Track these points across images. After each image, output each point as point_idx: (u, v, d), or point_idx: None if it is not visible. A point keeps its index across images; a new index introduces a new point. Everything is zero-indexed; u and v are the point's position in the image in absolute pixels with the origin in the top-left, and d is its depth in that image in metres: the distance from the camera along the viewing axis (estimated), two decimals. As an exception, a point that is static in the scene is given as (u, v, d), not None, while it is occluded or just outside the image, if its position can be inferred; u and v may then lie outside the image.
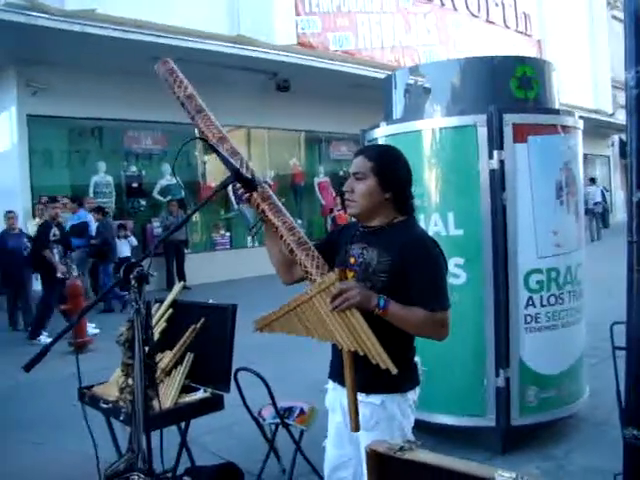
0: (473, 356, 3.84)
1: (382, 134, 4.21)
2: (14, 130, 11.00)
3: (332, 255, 2.42)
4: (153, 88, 11.86)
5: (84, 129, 11.88)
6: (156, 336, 3.65)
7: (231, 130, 14.77)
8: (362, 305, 2.07)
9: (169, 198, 12.96)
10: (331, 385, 2.46)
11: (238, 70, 12.07)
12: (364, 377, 2.13)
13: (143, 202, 13.13)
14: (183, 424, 3.53)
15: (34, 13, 9.09)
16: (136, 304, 1.94)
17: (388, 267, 2.22)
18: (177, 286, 3.96)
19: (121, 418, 3.20)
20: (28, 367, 1.80)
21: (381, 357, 1.99)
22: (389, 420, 2.24)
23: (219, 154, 2.28)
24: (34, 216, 10.67)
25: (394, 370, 1.96)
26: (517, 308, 3.77)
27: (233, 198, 13.76)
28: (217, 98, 12.62)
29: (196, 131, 2.71)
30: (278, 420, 3.43)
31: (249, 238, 14.13)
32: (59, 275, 8.30)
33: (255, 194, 2.41)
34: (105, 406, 3.28)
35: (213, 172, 14.28)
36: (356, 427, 2.07)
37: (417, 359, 3.87)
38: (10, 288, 9.12)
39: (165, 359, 3.49)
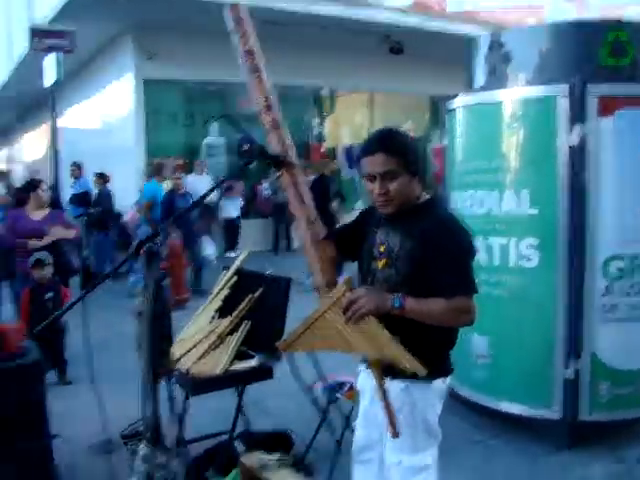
0: (542, 344, 3.61)
1: (460, 104, 3.99)
2: (131, 94, 11.54)
3: (359, 239, 2.35)
4: (265, 51, 12.02)
5: (198, 92, 12.24)
6: (218, 303, 3.77)
7: (344, 94, 14.74)
8: (377, 310, 2.01)
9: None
10: (361, 367, 2.42)
11: (350, 33, 11.90)
12: None
13: (254, 163, 13.38)
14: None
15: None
16: (145, 278, 1.96)
17: (410, 253, 2.13)
18: (243, 253, 4.01)
19: (173, 380, 3.33)
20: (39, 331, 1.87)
21: (407, 361, 1.92)
22: (412, 406, 2.18)
23: (243, 132, 2.24)
24: (153, 174, 11.19)
25: (423, 372, 1.89)
26: (592, 296, 3.49)
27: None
28: (328, 61, 12.76)
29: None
30: (326, 394, 3.42)
31: (359, 202, 14.09)
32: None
33: (285, 175, 2.35)
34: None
35: (328, 134, 14.36)
36: (395, 433, 2.01)
37: (481, 341, 3.81)
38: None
39: (221, 326, 3.57)
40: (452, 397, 4.21)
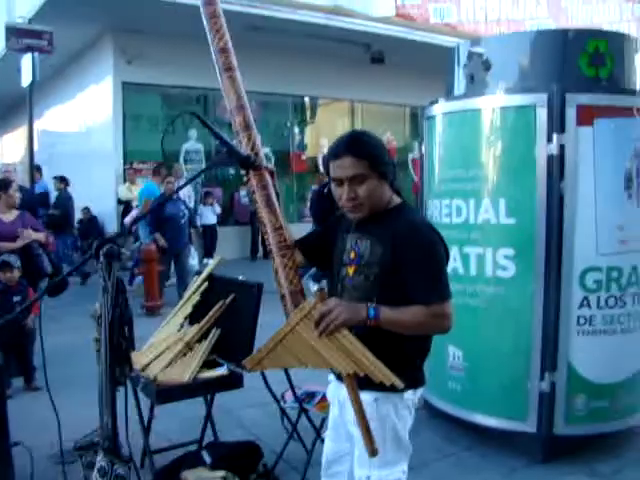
0: (517, 355, 3.55)
1: (440, 111, 3.95)
2: (110, 97, 11.42)
3: (328, 246, 2.29)
4: (247, 58, 11.92)
5: (177, 97, 12.15)
6: (189, 309, 3.67)
7: (326, 103, 14.72)
8: (350, 322, 1.93)
9: (260, 168, 13.06)
10: (332, 377, 2.34)
11: (333, 42, 11.89)
12: None
13: (232, 171, 13.34)
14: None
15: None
16: (104, 282, 1.87)
17: (380, 258, 2.06)
18: (215, 259, 3.92)
19: (139, 388, 3.23)
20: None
21: (383, 374, 1.84)
22: (381, 419, 2.10)
23: (212, 131, 2.16)
24: (125, 181, 11.09)
25: (400, 385, 1.81)
26: (569, 308, 3.44)
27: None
28: (310, 69, 12.73)
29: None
30: (297, 405, 3.34)
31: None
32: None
33: (253, 178, 2.29)
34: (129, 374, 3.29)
35: (308, 143, 14.32)
36: (373, 450, 1.89)
37: (456, 352, 3.75)
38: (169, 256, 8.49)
39: (190, 333, 3.47)
40: (425, 409, 4.16)
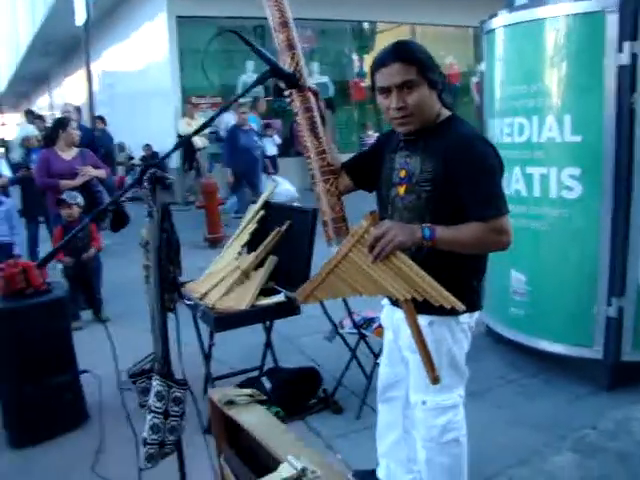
0: (583, 280, 3.41)
1: (501, 23, 3.70)
2: (164, 32, 11.34)
3: (376, 167, 2.19)
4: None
5: (233, 28, 11.90)
6: (246, 237, 3.67)
7: (386, 28, 14.21)
8: (406, 244, 1.81)
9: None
10: (385, 301, 2.29)
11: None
12: None
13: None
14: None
15: None
16: (149, 207, 1.86)
17: (431, 175, 1.96)
18: (270, 186, 3.89)
19: (198, 315, 3.28)
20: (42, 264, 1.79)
21: (443, 296, 1.73)
22: (437, 343, 2.03)
23: (253, 47, 2.06)
24: (183, 115, 11.11)
25: (461, 307, 1.71)
26: (639, 229, 3.26)
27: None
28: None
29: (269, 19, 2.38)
30: (356, 331, 3.33)
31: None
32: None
33: (296, 99, 2.20)
34: (188, 302, 3.35)
35: (366, 70, 13.92)
36: (435, 378, 1.80)
37: (519, 277, 3.63)
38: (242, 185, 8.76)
39: (246, 261, 3.48)
40: (488, 335, 4.10)
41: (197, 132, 2.22)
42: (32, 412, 3.15)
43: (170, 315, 1.96)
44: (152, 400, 1.92)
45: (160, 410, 1.88)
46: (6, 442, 3.19)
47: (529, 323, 3.65)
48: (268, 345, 3.71)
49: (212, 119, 2.03)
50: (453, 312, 1.76)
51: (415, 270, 1.78)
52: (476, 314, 2.14)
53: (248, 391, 1.64)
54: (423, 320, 1.93)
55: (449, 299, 1.72)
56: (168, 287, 1.96)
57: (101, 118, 10.74)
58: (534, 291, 3.60)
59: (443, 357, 2.06)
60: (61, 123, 5.46)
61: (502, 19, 3.68)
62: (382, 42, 14.32)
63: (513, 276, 3.68)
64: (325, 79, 13.23)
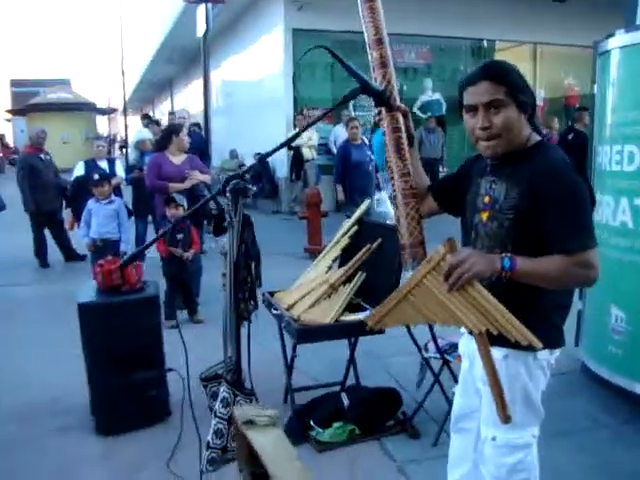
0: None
1: (617, 44, 3.52)
2: (280, 44, 11.64)
3: (462, 191, 2.12)
4: (418, 2, 11.52)
5: (346, 42, 12.06)
6: (338, 251, 3.69)
7: (505, 47, 13.88)
8: (484, 274, 1.72)
9: (429, 114, 12.74)
10: (463, 329, 2.21)
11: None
12: None
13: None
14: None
15: None
16: (229, 217, 1.89)
17: (516, 202, 1.87)
18: (365, 203, 3.87)
19: (283, 325, 3.31)
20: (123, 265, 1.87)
21: (520, 332, 1.64)
22: (511, 378, 1.94)
23: (343, 64, 2.06)
24: (294, 126, 11.33)
25: (539, 345, 1.62)
26: None
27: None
28: (482, 10, 12.04)
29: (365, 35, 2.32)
30: (437, 355, 3.24)
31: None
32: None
33: (385, 118, 2.17)
34: (275, 312, 3.40)
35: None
36: (505, 418, 1.71)
37: (619, 314, 3.41)
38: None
39: (335, 275, 3.48)
40: (583, 372, 3.87)
41: (274, 151, 2.19)
42: (118, 403, 3.31)
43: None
44: (218, 405, 1.96)
45: (225, 416, 1.92)
46: (93, 428, 3.37)
47: (627, 364, 3.42)
48: (351, 361, 3.69)
49: (297, 135, 2.04)
50: (530, 347, 1.67)
51: (492, 302, 1.69)
52: (557, 352, 2.02)
53: (270, 412, 1.61)
54: (498, 353, 1.84)
55: (526, 335, 1.63)
56: (244, 297, 1.99)
57: (197, 125, 11.04)
58: (635, 331, 3.37)
59: (517, 393, 1.96)
60: (174, 129, 5.72)
61: (618, 40, 3.50)
62: (503, 59, 13.98)
63: (613, 313, 3.46)
64: (437, 96, 13.08)
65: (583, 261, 1.77)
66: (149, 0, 21.26)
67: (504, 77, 1.86)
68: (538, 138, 1.95)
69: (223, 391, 1.95)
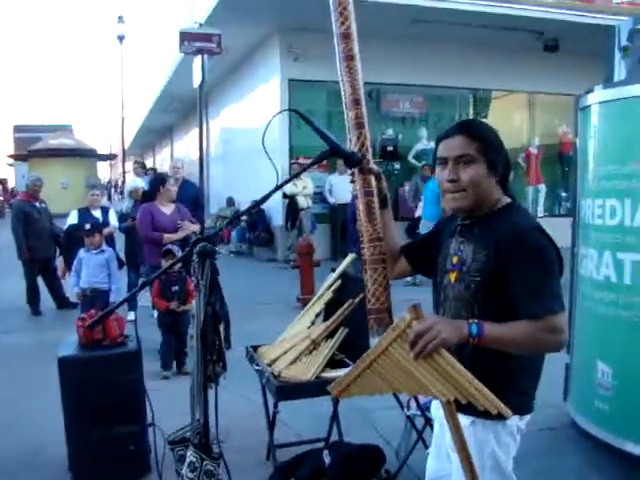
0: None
1: (597, 100, 3.57)
2: (277, 94, 11.84)
3: (435, 251, 2.11)
4: (412, 51, 11.72)
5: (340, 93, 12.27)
6: (321, 306, 3.66)
7: (497, 95, 14.10)
8: (450, 342, 1.68)
9: (423, 163, 12.86)
10: None
11: (501, 30, 11.36)
12: None
13: (397, 165, 13.29)
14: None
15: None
16: (196, 280, 1.89)
17: (482, 265, 1.86)
18: (349, 257, 3.86)
19: (263, 381, 3.27)
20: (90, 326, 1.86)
21: (488, 400, 1.61)
22: (480, 444, 1.90)
23: (312, 125, 2.09)
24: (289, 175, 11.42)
25: (508, 414, 1.59)
26: None
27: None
28: (475, 59, 12.25)
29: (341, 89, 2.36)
30: (419, 412, 3.20)
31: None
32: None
33: (358, 180, 2.19)
34: (257, 367, 3.36)
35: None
36: None
37: (605, 369, 3.37)
38: None
39: (317, 331, 3.45)
40: (572, 427, 3.81)
41: (265, 198, 2.22)
42: (96, 458, 3.26)
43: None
44: (185, 470, 1.92)
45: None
46: (70, 484, 3.29)
47: (614, 420, 3.37)
48: (334, 417, 3.63)
49: (285, 182, 2.06)
50: (499, 416, 1.63)
51: (459, 369, 1.65)
52: (527, 417, 1.97)
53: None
54: (465, 419, 1.81)
55: (495, 404, 1.59)
56: (212, 359, 1.97)
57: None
58: (621, 386, 3.33)
59: (486, 460, 1.91)
60: (161, 180, 5.76)
61: (597, 95, 3.55)
62: (496, 108, 14.20)
63: (599, 367, 3.42)
64: (433, 144, 13.21)
65: (550, 326, 1.74)
66: (149, 50, 21.70)
67: (478, 134, 1.89)
68: (508, 201, 1.95)
69: (190, 455, 1.91)
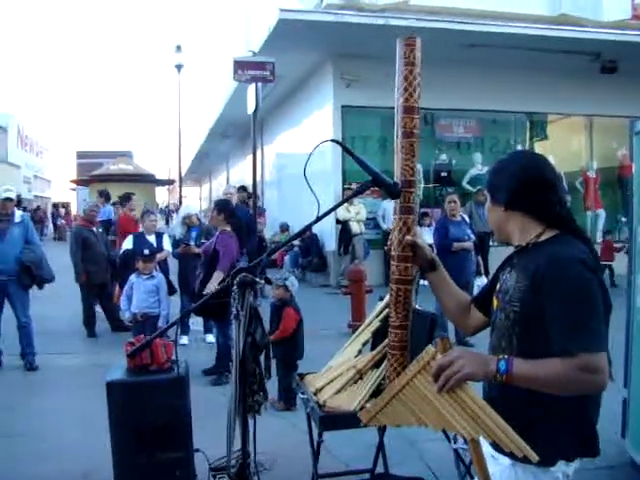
0: None
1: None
2: (329, 120, 11.97)
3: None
4: (466, 76, 11.68)
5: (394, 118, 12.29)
6: (368, 335, 3.62)
7: (554, 119, 13.86)
8: (474, 376, 1.63)
9: (478, 188, 12.72)
10: None
11: (557, 53, 11.20)
12: None
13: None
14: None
15: (346, 12, 9.70)
16: (236, 310, 1.89)
17: (522, 294, 1.77)
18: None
19: (307, 410, 3.24)
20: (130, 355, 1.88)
21: (514, 442, 1.53)
22: None
23: (353, 156, 2.09)
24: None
25: (535, 459, 1.50)
26: None
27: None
28: (531, 83, 12.11)
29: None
30: (466, 446, 3.10)
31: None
32: None
33: (397, 214, 2.09)
34: (302, 396, 3.34)
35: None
36: None
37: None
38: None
39: (362, 360, 3.41)
40: (629, 466, 3.64)
41: (307, 228, 2.21)
42: (143, 483, 3.27)
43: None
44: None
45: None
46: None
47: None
48: (380, 448, 3.57)
49: (325, 214, 2.04)
50: (541, 460, 1.53)
51: (482, 406, 1.59)
52: (576, 462, 1.82)
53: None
54: (506, 460, 1.73)
55: (521, 447, 1.51)
56: (251, 389, 1.97)
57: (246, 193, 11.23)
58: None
59: None
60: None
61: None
62: (552, 132, 13.96)
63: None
64: (487, 169, 13.07)
65: (584, 364, 1.60)
66: (206, 78, 22.26)
67: (490, 183, 1.98)
68: (554, 232, 1.85)
69: (227, 485, 1.90)
